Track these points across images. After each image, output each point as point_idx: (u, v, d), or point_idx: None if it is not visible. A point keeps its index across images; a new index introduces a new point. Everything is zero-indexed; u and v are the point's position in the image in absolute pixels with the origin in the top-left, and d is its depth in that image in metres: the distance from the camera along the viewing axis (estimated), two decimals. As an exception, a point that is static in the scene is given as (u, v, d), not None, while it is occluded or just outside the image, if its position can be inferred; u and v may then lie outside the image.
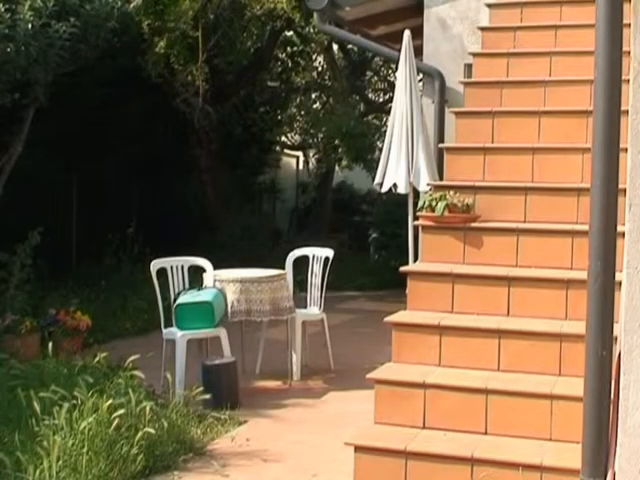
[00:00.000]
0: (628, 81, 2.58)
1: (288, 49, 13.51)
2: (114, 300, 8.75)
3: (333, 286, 8.09)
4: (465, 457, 3.76)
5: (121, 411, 4.29)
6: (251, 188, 13.99)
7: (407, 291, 4.66)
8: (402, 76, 6.36)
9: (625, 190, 2.58)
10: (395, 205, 10.89)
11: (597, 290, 2.83)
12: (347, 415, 5.27)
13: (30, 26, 6.86)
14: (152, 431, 4.38)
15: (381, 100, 15.54)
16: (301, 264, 6.93)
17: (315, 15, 7.51)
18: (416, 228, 5.50)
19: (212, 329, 5.91)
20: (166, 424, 4.57)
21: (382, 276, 10.94)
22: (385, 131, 6.85)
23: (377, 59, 14.32)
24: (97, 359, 5.29)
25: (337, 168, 15.10)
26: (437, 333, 4.34)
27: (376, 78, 15.77)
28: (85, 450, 4.04)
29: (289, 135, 15.86)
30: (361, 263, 12.36)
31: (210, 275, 6.19)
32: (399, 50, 6.46)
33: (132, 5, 8.81)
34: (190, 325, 5.84)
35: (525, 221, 4.97)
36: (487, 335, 4.29)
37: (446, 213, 4.86)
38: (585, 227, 3.05)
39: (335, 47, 13.77)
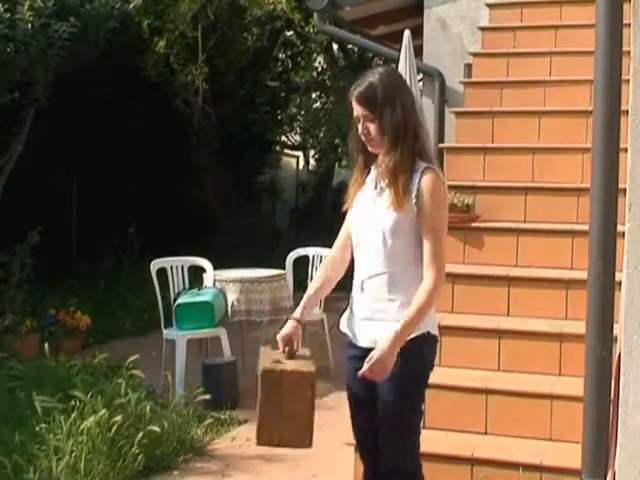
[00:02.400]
0: (628, 81, 2.58)
1: (288, 49, 13.50)
2: (114, 300, 8.74)
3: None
4: (465, 457, 3.76)
5: (120, 413, 4.29)
6: (251, 188, 13.97)
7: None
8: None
9: (625, 190, 2.58)
10: (395, 205, 10.86)
11: (597, 290, 2.83)
12: (347, 415, 5.26)
13: (30, 26, 6.86)
14: (156, 429, 4.38)
15: (381, 100, 15.49)
16: (301, 264, 6.92)
17: (315, 15, 7.50)
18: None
19: (212, 329, 5.91)
20: (166, 424, 4.57)
21: (382, 276, 10.91)
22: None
23: (377, 59, 14.31)
24: (97, 359, 5.29)
25: (337, 168, 15.08)
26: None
27: (376, 78, 15.73)
28: (85, 450, 4.04)
29: (289, 135, 15.85)
30: (361, 263, 12.31)
31: (210, 275, 6.19)
32: (399, 50, 6.45)
33: (132, 5, 8.81)
34: (190, 325, 5.84)
35: (525, 221, 4.97)
36: (487, 335, 4.29)
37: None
38: (585, 227, 3.05)
39: (335, 47, 13.75)
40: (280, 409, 2.67)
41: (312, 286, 3.07)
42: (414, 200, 2.78)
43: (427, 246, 2.78)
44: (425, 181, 2.78)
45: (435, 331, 2.91)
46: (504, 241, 4.82)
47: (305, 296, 3.04)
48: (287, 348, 2.87)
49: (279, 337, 2.91)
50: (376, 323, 2.80)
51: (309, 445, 2.72)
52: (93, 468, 4.02)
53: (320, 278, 3.05)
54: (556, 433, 3.85)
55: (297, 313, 2.98)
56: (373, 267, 2.86)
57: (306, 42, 12.93)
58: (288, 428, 2.72)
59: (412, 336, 2.78)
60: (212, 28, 10.00)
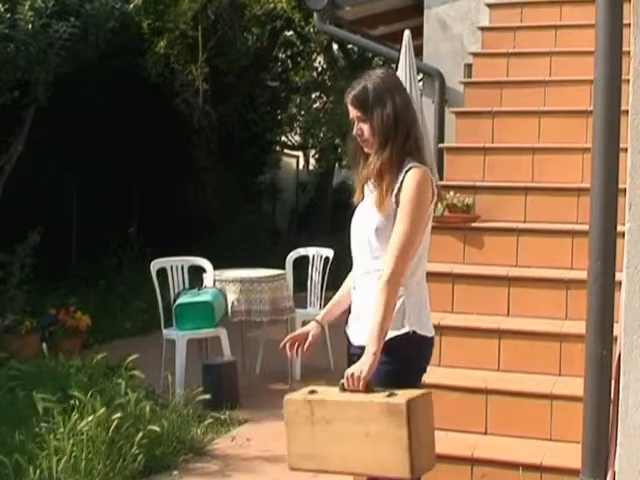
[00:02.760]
0: (628, 81, 2.58)
1: (288, 49, 13.50)
2: (114, 300, 8.74)
3: (333, 286, 8.07)
4: (465, 457, 3.76)
5: (119, 413, 4.29)
6: (251, 188, 13.97)
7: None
8: (402, 76, 6.34)
9: (625, 190, 2.58)
10: (395, 205, 10.86)
11: (597, 290, 2.83)
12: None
13: (30, 26, 6.86)
14: (156, 429, 4.38)
15: (381, 100, 15.47)
16: (301, 264, 6.92)
17: (315, 15, 7.50)
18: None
19: (212, 329, 5.91)
20: (166, 424, 4.57)
21: (382, 276, 10.89)
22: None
23: (377, 59, 14.31)
24: (97, 359, 5.29)
25: (337, 168, 15.07)
26: (437, 333, 4.31)
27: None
28: (85, 450, 4.04)
29: (289, 135, 15.85)
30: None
31: (210, 275, 6.19)
32: (399, 50, 6.46)
33: (132, 5, 8.81)
34: (190, 325, 5.84)
35: (525, 221, 4.97)
36: (487, 335, 4.29)
37: (446, 213, 4.86)
38: (585, 227, 3.05)
39: (335, 47, 13.75)
40: (419, 437, 2.62)
41: (336, 296, 3.13)
42: (394, 199, 2.76)
43: (394, 234, 2.73)
44: (407, 177, 2.76)
45: (424, 331, 2.87)
46: (504, 241, 4.82)
47: (330, 303, 3.13)
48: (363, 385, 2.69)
49: (298, 333, 3.07)
50: (365, 321, 2.79)
51: (435, 464, 2.72)
52: (93, 468, 4.02)
53: (343, 290, 3.10)
54: (556, 433, 3.85)
55: (320, 316, 3.09)
56: (363, 267, 2.88)
57: (306, 42, 12.94)
58: (427, 453, 2.68)
59: (390, 336, 2.74)
60: (212, 28, 10.00)
